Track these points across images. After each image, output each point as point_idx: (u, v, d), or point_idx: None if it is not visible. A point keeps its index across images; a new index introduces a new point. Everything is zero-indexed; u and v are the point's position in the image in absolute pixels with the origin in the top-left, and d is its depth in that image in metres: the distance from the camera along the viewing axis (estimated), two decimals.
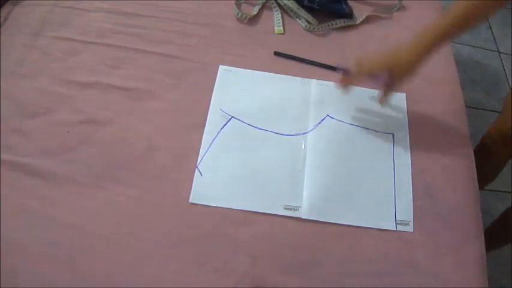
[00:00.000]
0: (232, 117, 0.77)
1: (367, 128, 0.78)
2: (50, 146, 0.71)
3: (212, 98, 0.79)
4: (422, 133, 0.79)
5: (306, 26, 0.92)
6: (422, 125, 0.80)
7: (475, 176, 0.76)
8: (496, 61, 1.79)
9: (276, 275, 0.63)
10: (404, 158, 0.76)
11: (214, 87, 0.81)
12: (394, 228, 0.68)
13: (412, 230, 0.68)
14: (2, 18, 0.89)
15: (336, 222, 0.68)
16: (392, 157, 0.75)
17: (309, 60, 0.87)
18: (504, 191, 1.42)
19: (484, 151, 0.99)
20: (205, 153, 0.73)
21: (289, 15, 0.94)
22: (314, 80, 0.84)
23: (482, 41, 1.87)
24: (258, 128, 0.76)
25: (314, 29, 0.92)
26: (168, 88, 0.80)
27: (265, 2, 0.95)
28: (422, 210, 0.70)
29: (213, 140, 0.74)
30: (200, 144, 0.73)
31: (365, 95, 0.82)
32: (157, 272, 0.62)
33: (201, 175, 0.71)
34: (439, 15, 1.00)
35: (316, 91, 0.82)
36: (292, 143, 0.75)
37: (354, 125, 0.78)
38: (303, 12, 0.92)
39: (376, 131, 0.78)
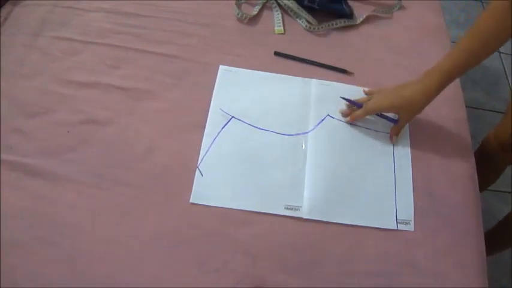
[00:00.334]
0: (233, 117, 0.77)
1: (367, 128, 0.78)
2: (50, 146, 0.71)
3: (212, 98, 0.79)
4: (422, 133, 0.79)
5: (306, 26, 0.92)
6: (422, 125, 0.80)
7: (475, 175, 0.76)
8: (496, 61, 1.79)
9: (276, 275, 0.63)
10: (404, 158, 0.75)
11: (215, 88, 0.81)
12: (395, 228, 0.68)
13: (413, 229, 0.68)
14: (2, 18, 0.89)
15: (336, 221, 0.68)
16: (393, 157, 0.75)
17: (309, 60, 0.87)
18: (504, 191, 1.42)
19: (483, 156, 0.99)
20: (205, 154, 0.73)
21: (290, 15, 0.94)
22: (314, 80, 0.84)
23: None
24: (259, 128, 0.76)
25: (314, 29, 0.92)
26: (168, 88, 0.80)
27: (266, 2, 0.95)
28: (422, 210, 0.70)
29: (214, 140, 0.74)
30: (200, 144, 0.73)
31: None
32: (157, 272, 0.62)
33: (202, 175, 0.70)
34: (439, 15, 1.00)
35: (317, 91, 0.82)
36: (292, 142, 0.75)
37: (354, 124, 0.78)
38: (303, 12, 0.92)
39: (377, 131, 0.78)
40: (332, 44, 0.91)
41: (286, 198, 0.69)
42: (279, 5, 0.95)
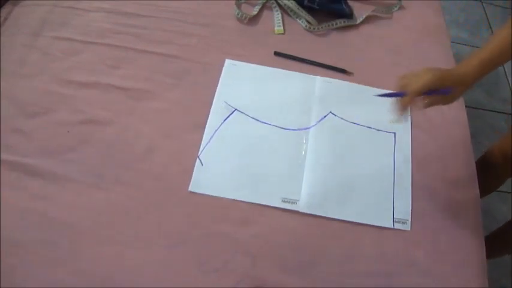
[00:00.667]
0: (236, 109, 0.78)
1: (369, 127, 0.78)
2: (50, 146, 0.71)
3: (217, 90, 0.80)
4: (423, 133, 0.79)
5: (306, 26, 0.92)
6: (423, 124, 0.80)
7: (475, 176, 0.76)
8: None
9: (276, 275, 0.63)
10: (405, 158, 0.76)
11: (220, 80, 0.82)
12: (392, 226, 0.68)
13: (409, 229, 0.68)
14: (2, 18, 0.89)
15: (333, 217, 0.68)
16: (393, 156, 0.76)
17: (309, 60, 0.87)
18: (505, 191, 1.42)
19: (486, 165, 0.99)
20: (207, 144, 0.73)
21: (289, 15, 0.94)
22: (319, 77, 0.84)
23: (482, 41, 1.87)
24: (261, 122, 0.77)
25: (314, 29, 0.92)
26: (168, 88, 0.80)
27: (266, 2, 0.95)
28: (422, 210, 0.70)
29: (216, 131, 0.75)
30: (200, 143, 0.73)
31: (369, 93, 0.82)
32: (157, 272, 0.62)
33: (202, 165, 0.71)
34: (439, 15, 1.00)
35: (321, 88, 0.82)
36: (294, 137, 0.76)
37: (355, 123, 0.78)
38: (303, 13, 0.92)
39: (378, 130, 0.78)
40: (332, 44, 0.91)
41: (284, 191, 0.69)
42: (279, 5, 0.95)
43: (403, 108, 0.64)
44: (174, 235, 0.65)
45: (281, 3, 0.94)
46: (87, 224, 0.65)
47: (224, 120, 0.76)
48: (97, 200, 0.67)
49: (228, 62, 0.84)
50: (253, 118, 0.77)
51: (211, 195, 0.69)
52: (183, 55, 0.85)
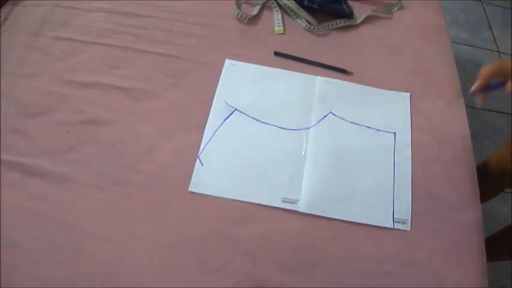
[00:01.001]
0: (236, 109, 0.78)
1: (368, 127, 0.78)
2: (50, 146, 0.71)
3: (217, 90, 0.80)
4: (423, 133, 0.79)
5: (306, 26, 0.92)
6: (423, 124, 0.80)
7: (475, 176, 0.76)
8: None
9: (276, 275, 0.63)
10: (405, 158, 0.76)
11: (220, 80, 0.81)
12: (392, 226, 0.68)
13: (409, 229, 0.68)
14: (2, 18, 0.89)
15: (333, 217, 0.68)
16: (393, 156, 0.76)
17: (309, 60, 0.87)
18: (505, 191, 1.42)
19: (484, 174, 0.98)
20: (207, 144, 0.73)
21: (289, 15, 0.94)
22: (319, 77, 0.84)
23: (482, 41, 1.87)
24: (261, 122, 0.77)
25: (314, 29, 0.92)
26: (168, 88, 0.80)
27: (265, 2, 0.95)
28: (422, 210, 0.70)
29: (216, 131, 0.75)
30: (200, 143, 0.73)
31: (369, 93, 0.83)
32: (157, 272, 0.62)
33: (202, 165, 0.71)
34: (439, 15, 1.00)
35: (321, 87, 0.82)
36: (294, 137, 0.76)
37: (355, 123, 0.78)
38: (303, 13, 0.92)
39: (378, 130, 0.78)
40: (332, 44, 0.91)
41: (284, 192, 0.70)
42: (279, 5, 0.95)
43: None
44: (174, 235, 0.65)
45: (281, 3, 0.94)
46: (87, 224, 0.65)
47: (224, 120, 0.76)
48: (97, 200, 0.67)
49: (228, 62, 0.85)
50: (253, 118, 0.77)
51: (211, 195, 0.69)
52: (183, 55, 0.85)
